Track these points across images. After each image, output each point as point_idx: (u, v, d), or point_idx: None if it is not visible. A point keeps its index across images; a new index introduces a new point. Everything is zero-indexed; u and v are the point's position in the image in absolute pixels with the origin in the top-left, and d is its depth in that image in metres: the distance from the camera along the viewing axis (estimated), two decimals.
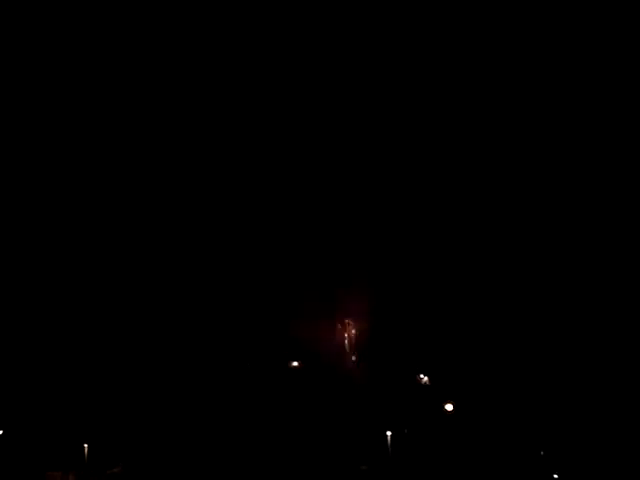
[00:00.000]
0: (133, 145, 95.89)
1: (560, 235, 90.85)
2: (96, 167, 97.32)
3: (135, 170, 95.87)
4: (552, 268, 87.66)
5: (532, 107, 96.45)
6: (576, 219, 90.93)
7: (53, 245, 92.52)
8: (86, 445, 71.67)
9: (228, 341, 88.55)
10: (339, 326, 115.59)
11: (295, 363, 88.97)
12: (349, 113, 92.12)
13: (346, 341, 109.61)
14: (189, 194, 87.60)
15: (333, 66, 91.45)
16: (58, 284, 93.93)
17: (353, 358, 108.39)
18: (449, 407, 75.71)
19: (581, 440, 75.10)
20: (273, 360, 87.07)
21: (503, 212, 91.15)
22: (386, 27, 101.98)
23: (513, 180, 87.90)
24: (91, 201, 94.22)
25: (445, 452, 77.56)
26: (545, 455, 76.01)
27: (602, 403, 77.33)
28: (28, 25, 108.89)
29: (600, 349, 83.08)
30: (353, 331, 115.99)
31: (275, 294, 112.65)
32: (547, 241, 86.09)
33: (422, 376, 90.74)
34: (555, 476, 71.52)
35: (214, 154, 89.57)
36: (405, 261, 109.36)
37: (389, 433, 76.65)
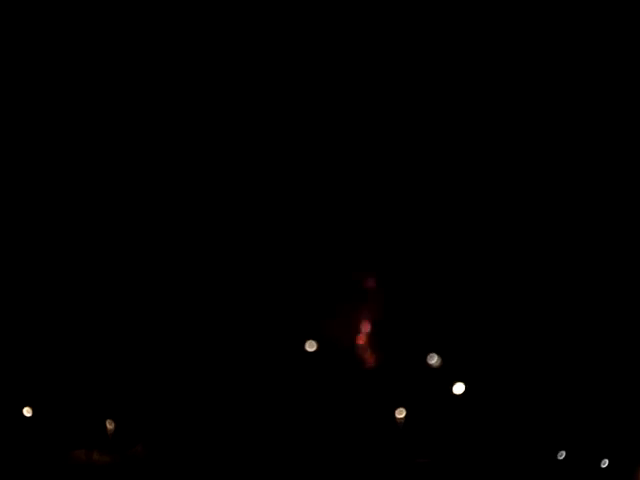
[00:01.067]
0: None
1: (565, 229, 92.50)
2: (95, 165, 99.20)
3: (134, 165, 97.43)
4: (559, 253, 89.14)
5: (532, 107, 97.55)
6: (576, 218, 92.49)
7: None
8: (109, 423, 73.38)
9: (243, 324, 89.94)
10: (351, 308, 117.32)
11: (309, 346, 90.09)
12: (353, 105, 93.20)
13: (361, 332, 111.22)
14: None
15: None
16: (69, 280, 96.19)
17: (365, 346, 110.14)
18: (459, 389, 77.08)
19: (587, 421, 76.84)
20: (287, 343, 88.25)
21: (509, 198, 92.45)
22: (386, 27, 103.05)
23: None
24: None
25: (454, 435, 79.10)
26: (552, 435, 77.74)
27: (610, 389, 78.92)
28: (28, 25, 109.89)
29: (606, 342, 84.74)
30: (366, 315, 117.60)
31: (289, 275, 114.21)
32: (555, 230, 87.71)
33: (432, 356, 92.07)
34: (561, 456, 73.16)
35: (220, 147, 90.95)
36: (416, 247, 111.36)
37: (401, 413, 77.94)
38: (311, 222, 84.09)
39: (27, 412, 68.47)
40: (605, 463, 65.33)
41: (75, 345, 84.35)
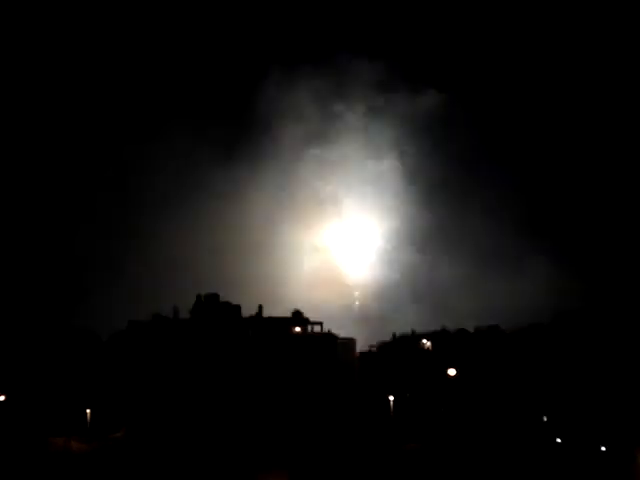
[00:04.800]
0: None
1: None
2: None
3: None
4: None
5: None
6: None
7: None
8: (88, 410, 71.72)
9: (229, 308, 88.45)
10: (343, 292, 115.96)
11: (297, 329, 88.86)
12: None
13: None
14: None
15: None
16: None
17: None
18: (452, 372, 75.69)
19: (582, 406, 75.11)
20: (276, 327, 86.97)
21: None
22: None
23: None
24: None
25: (447, 417, 77.58)
26: (548, 420, 76.08)
27: (601, 372, 77.36)
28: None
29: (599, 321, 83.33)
30: (357, 297, 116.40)
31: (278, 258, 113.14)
32: None
33: (425, 341, 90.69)
34: (558, 440, 71.62)
35: None
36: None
37: (392, 398, 76.70)
38: None
39: (1, 398, 64.49)
40: (602, 449, 62.36)
41: (53, 330, 79.58)
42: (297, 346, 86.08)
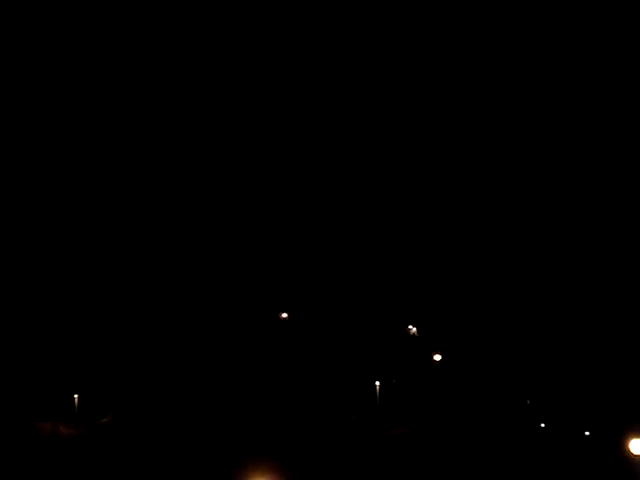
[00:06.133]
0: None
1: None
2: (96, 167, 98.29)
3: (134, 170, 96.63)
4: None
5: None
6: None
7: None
8: (76, 396, 71.84)
9: (218, 293, 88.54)
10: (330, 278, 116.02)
11: (284, 315, 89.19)
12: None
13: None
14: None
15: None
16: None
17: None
18: (437, 357, 76.21)
19: (567, 390, 75.68)
20: (263, 311, 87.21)
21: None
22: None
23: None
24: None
25: (433, 402, 78.09)
26: (532, 405, 76.67)
27: (586, 355, 77.88)
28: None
29: (583, 304, 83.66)
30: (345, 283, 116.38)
31: (267, 246, 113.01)
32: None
33: (410, 327, 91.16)
34: (542, 425, 72.27)
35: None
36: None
37: (378, 383, 77.12)
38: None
39: None
40: (587, 433, 62.96)
41: (43, 319, 79.83)
42: (284, 330, 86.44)
